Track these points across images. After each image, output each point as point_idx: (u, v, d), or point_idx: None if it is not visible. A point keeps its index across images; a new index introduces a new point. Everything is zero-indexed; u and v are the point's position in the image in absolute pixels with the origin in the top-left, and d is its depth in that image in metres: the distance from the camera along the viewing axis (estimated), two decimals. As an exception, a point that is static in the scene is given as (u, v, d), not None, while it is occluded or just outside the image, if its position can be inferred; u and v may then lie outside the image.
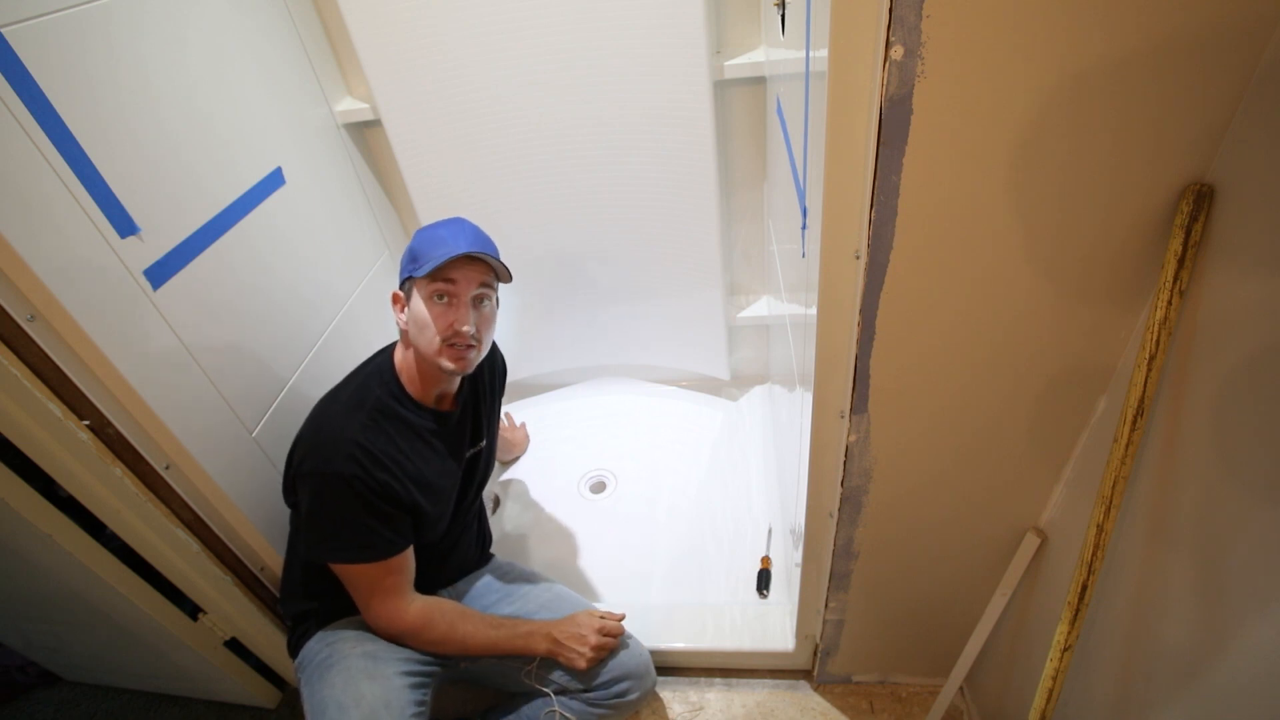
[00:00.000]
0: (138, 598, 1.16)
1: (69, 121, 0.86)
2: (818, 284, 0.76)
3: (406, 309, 1.06)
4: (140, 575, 1.15)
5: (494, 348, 1.30)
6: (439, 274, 1.01)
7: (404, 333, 1.08)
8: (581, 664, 1.11)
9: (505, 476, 1.77)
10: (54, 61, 0.85)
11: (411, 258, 1.05)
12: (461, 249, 1.01)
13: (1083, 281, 0.69)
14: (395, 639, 1.08)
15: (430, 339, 1.02)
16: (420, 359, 1.06)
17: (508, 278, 1.09)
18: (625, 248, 1.64)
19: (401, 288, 1.07)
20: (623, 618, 1.19)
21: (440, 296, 1.02)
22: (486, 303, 1.08)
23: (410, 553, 1.08)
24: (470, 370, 1.07)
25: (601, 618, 1.16)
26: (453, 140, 1.49)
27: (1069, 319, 0.72)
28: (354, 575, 1.03)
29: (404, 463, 1.04)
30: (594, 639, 1.12)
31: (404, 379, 1.08)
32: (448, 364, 1.03)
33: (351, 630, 1.08)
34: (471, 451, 1.20)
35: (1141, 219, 0.64)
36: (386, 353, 1.12)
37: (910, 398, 0.82)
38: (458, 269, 1.02)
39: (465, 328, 1.03)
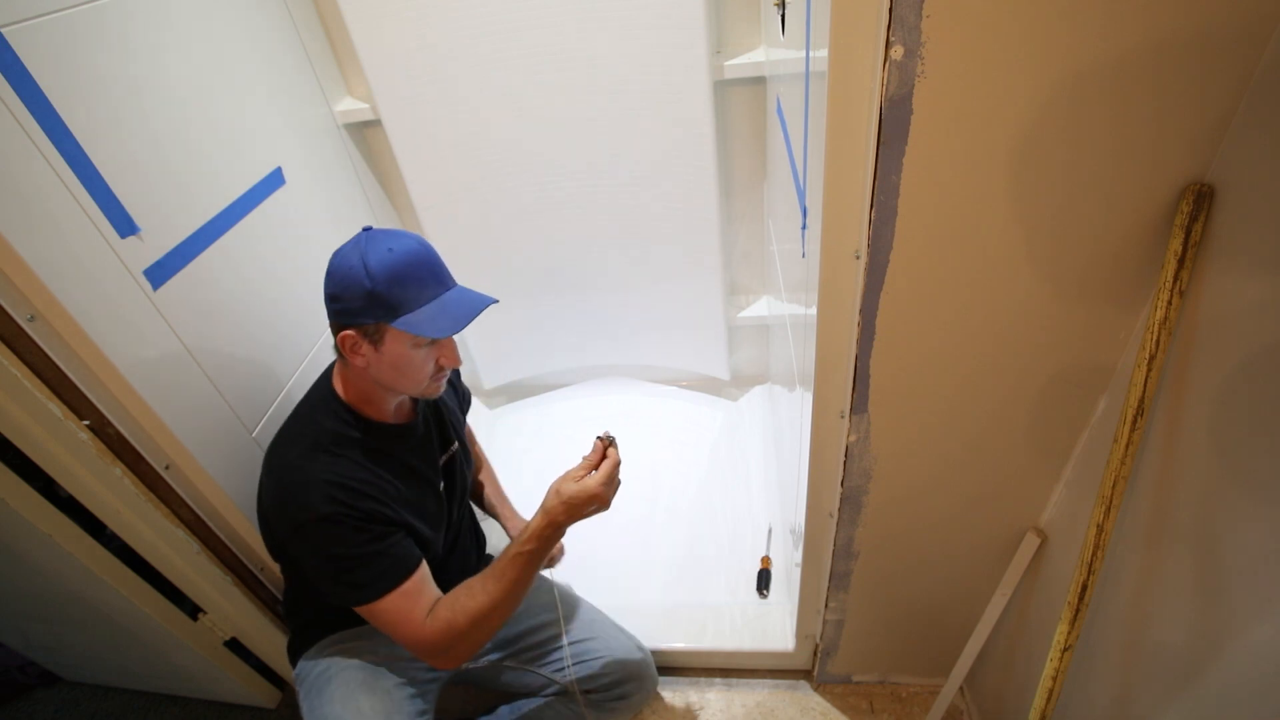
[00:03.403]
0: (138, 598, 1.16)
1: (69, 121, 0.86)
2: (818, 284, 0.76)
3: (370, 350, 0.91)
4: (140, 575, 1.16)
5: None
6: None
7: (358, 369, 0.94)
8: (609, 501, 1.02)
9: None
10: (54, 61, 0.85)
11: (379, 303, 0.87)
12: (461, 323, 0.91)
13: (1083, 281, 0.69)
14: (432, 659, 0.96)
15: (416, 380, 0.95)
16: (388, 390, 0.98)
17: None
18: (625, 247, 1.64)
19: (360, 329, 0.89)
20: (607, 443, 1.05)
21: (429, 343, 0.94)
22: None
23: (425, 568, 0.99)
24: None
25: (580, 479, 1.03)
26: (453, 140, 1.48)
27: (1069, 318, 0.72)
28: (380, 611, 0.93)
29: (382, 484, 0.96)
30: (598, 482, 1.01)
31: (355, 404, 0.99)
32: (434, 394, 0.99)
33: (350, 642, 1.07)
34: (445, 457, 1.14)
35: (1141, 219, 0.64)
36: (324, 383, 1.01)
37: (910, 398, 0.82)
38: None
39: (459, 363, 0.98)
